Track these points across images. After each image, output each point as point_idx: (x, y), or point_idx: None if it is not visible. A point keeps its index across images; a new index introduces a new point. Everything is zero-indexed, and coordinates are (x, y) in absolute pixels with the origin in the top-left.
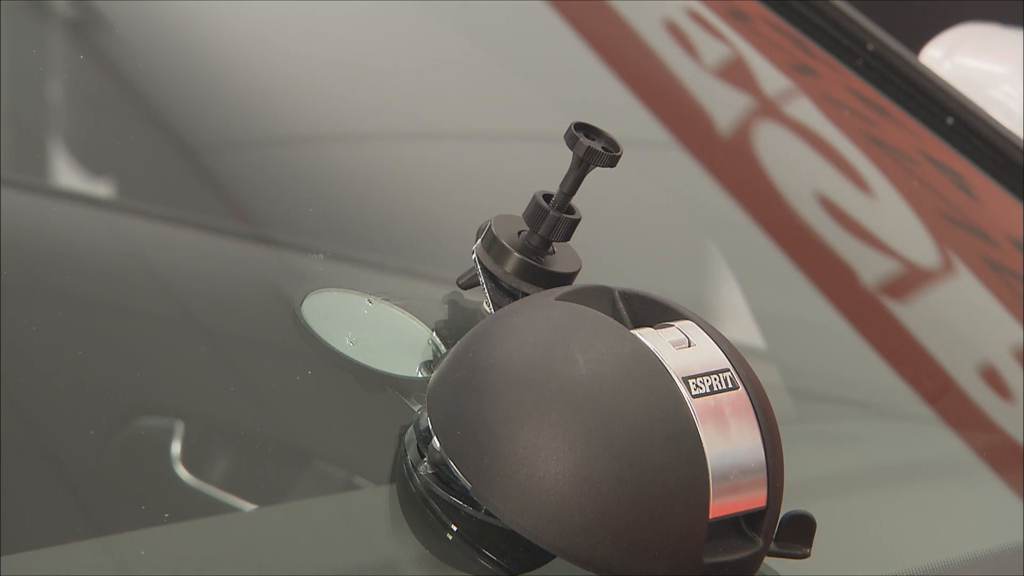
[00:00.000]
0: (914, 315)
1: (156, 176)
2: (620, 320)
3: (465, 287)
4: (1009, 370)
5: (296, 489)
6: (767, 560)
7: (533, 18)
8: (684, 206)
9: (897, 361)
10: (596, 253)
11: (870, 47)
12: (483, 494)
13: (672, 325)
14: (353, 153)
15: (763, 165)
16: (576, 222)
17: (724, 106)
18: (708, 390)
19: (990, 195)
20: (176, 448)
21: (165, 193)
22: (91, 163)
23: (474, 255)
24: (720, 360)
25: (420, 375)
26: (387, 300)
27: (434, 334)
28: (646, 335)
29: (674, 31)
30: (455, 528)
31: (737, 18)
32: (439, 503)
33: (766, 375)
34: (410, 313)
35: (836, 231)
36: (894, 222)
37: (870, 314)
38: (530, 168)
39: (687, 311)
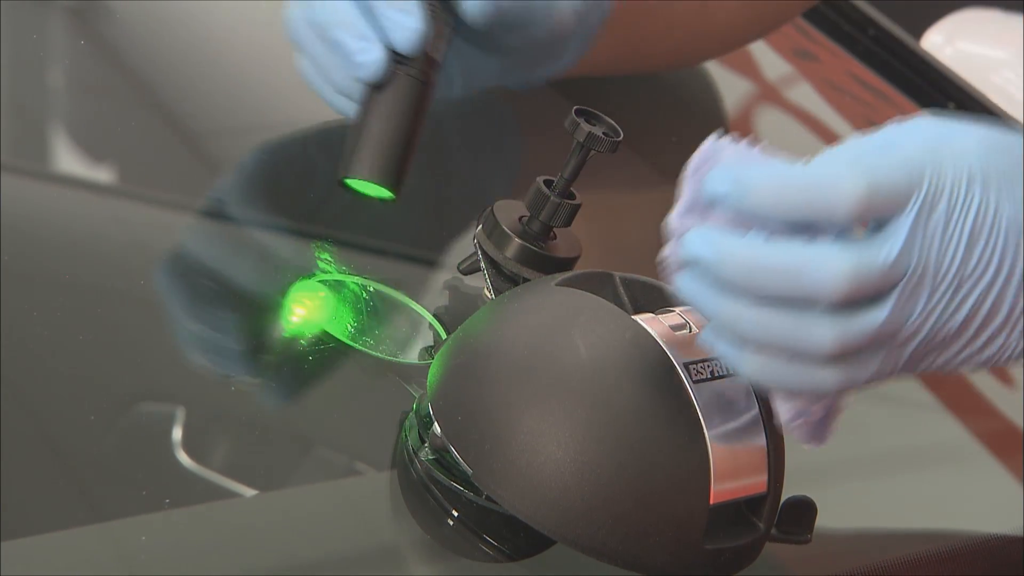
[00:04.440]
0: None
1: (157, 163)
2: (621, 306)
3: (466, 272)
4: None
5: (297, 475)
6: (768, 545)
7: None
8: None
9: None
10: (597, 239)
11: (871, 32)
12: (484, 479)
13: (673, 311)
14: None
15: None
16: (577, 208)
17: (725, 91)
18: (709, 375)
19: None
20: (177, 434)
21: (165, 179)
22: (94, 150)
23: (475, 241)
24: None
25: (421, 361)
26: (388, 285)
27: (435, 319)
28: (647, 320)
29: None
30: (456, 513)
31: None
32: (440, 488)
33: None
34: (411, 298)
35: None
36: None
37: None
38: (531, 154)
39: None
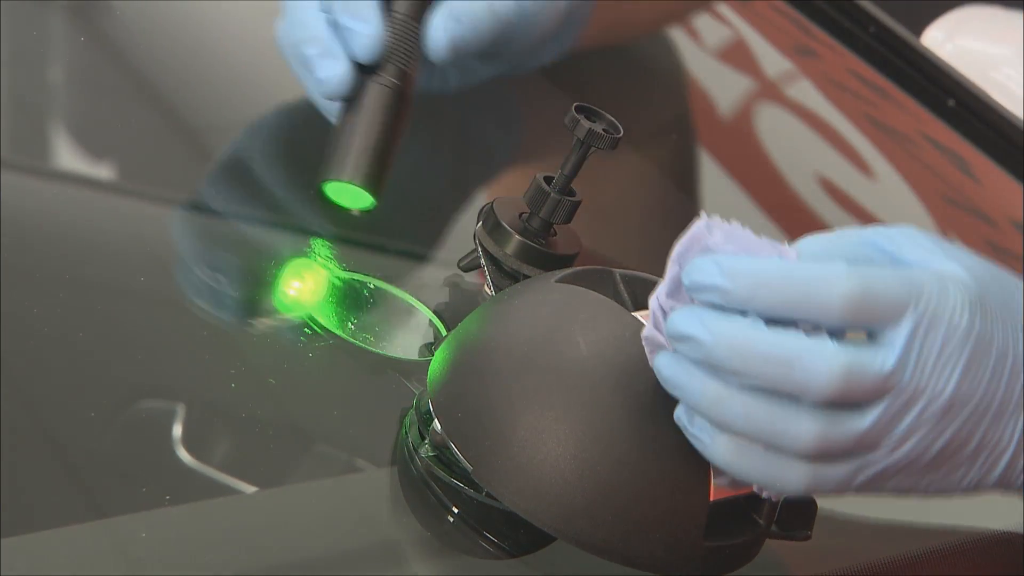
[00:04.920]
0: None
1: (158, 159)
2: (621, 302)
3: (466, 269)
4: None
5: (297, 471)
6: (768, 542)
7: None
8: (685, 188)
9: None
10: (597, 236)
11: (872, 29)
12: (484, 476)
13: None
14: None
15: (765, 147)
16: (577, 204)
17: (726, 88)
18: None
19: (991, 177)
20: (177, 430)
21: (166, 175)
22: (94, 147)
23: (475, 237)
24: None
25: (421, 357)
26: (388, 282)
27: (435, 316)
28: (647, 317)
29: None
30: (456, 510)
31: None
32: (440, 485)
33: None
34: (411, 295)
35: (838, 213)
36: (896, 204)
37: None
38: (532, 150)
39: None
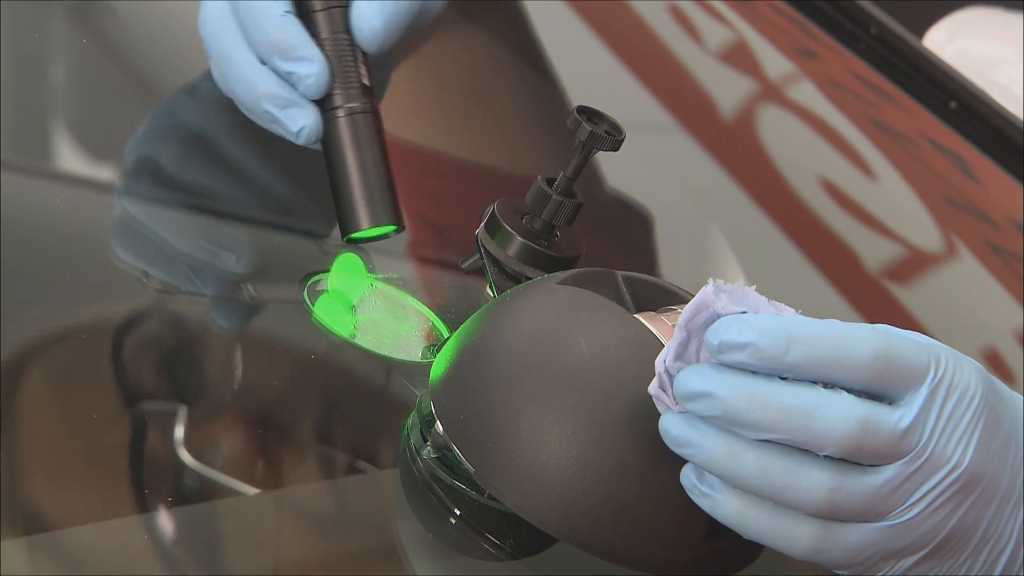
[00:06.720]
0: (917, 298)
1: (162, 159)
2: (623, 304)
3: (468, 271)
4: (1012, 353)
5: (299, 473)
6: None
7: (535, 1)
8: (687, 190)
9: None
10: (599, 237)
11: (873, 30)
12: (486, 478)
13: (675, 309)
14: None
15: (766, 149)
16: (579, 206)
17: (727, 90)
18: None
19: (993, 178)
20: (179, 431)
21: (166, 176)
22: (95, 148)
23: (477, 239)
24: None
25: (423, 359)
26: (391, 283)
27: (437, 318)
28: (649, 319)
29: (677, 14)
30: (458, 512)
31: (740, 1)
32: (442, 487)
33: None
34: (413, 296)
35: (839, 215)
36: (897, 205)
37: (873, 297)
38: (533, 152)
39: (690, 295)
